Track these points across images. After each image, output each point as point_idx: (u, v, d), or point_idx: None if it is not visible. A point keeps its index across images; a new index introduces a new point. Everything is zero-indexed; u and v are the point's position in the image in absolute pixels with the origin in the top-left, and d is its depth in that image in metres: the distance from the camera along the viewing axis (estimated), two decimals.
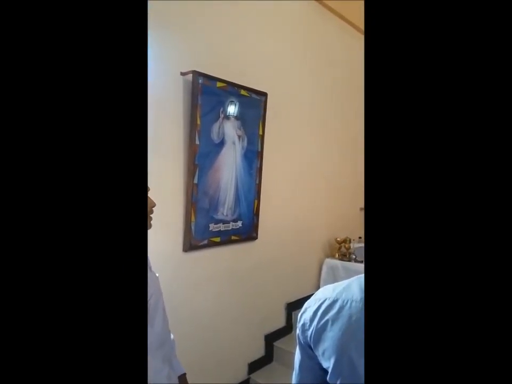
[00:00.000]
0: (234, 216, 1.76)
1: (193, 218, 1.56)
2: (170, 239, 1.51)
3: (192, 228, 1.56)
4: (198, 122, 1.53)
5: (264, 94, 1.85)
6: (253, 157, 1.84)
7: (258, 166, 1.87)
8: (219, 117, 1.63)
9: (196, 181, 1.55)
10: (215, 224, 1.67)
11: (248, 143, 1.80)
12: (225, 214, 1.71)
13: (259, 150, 1.86)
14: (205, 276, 1.67)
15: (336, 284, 0.66)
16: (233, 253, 1.79)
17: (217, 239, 1.68)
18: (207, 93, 1.56)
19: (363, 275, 0.65)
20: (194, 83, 1.51)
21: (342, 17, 2.34)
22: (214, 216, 1.66)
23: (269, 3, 1.86)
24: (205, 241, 1.63)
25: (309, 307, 0.64)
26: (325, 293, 0.65)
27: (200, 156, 1.56)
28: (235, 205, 1.76)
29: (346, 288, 0.63)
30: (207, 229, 1.63)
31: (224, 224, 1.71)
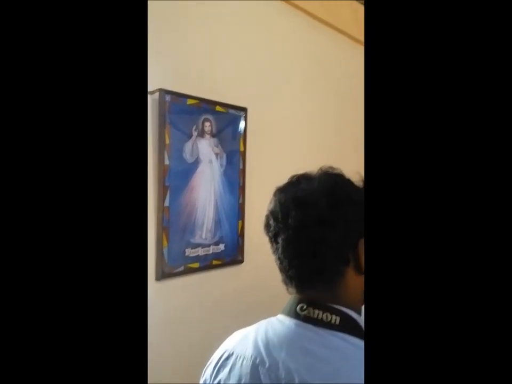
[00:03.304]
0: (215, 239, 1.65)
1: (165, 244, 1.46)
2: None
3: (165, 253, 1.46)
4: (167, 142, 1.46)
5: (244, 109, 1.77)
6: (234, 175, 1.74)
7: (241, 184, 1.77)
8: (192, 135, 1.56)
9: (167, 203, 1.46)
10: (192, 248, 1.56)
11: (228, 160, 1.71)
12: (204, 237, 1.61)
13: (241, 167, 1.77)
14: (184, 306, 1.55)
15: (242, 330, 0.54)
16: (216, 279, 1.67)
17: (196, 265, 1.57)
18: (176, 111, 1.49)
19: (264, 322, 0.53)
20: (161, 101, 1.45)
21: (328, 24, 2.26)
22: (191, 240, 1.56)
23: (244, 12, 1.81)
24: (181, 268, 1.52)
25: (212, 360, 0.54)
26: (227, 342, 0.54)
27: (171, 177, 1.48)
28: (215, 226, 1.65)
29: (243, 339, 0.52)
30: (182, 254, 1.52)
31: (203, 248, 1.61)
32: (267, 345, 0.49)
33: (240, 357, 0.49)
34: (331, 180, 0.55)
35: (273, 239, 0.55)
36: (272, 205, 0.55)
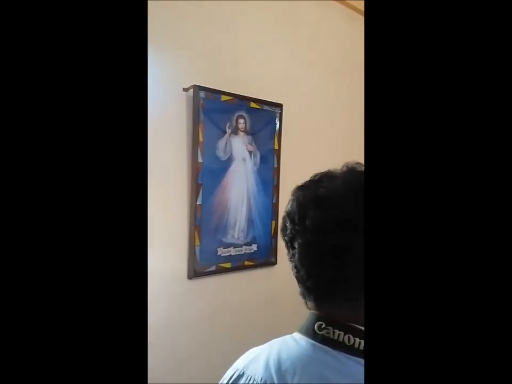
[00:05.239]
0: (248, 239, 1.61)
1: (197, 242, 1.43)
2: (174, 265, 1.40)
3: (197, 252, 1.43)
4: (201, 139, 1.44)
5: (279, 106, 1.71)
6: (268, 173, 1.69)
7: (275, 183, 1.72)
8: (225, 132, 1.52)
9: (199, 201, 1.44)
10: (224, 248, 1.53)
11: (262, 159, 1.66)
12: (236, 236, 1.57)
13: (275, 166, 1.71)
14: (215, 306, 1.52)
15: (256, 349, 0.49)
16: (247, 280, 1.63)
17: (228, 265, 1.54)
18: (210, 108, 1.46)
19: (279, 340, 0.47)
20: (195, 98, 1.43)
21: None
22: (223, 239, 1.52)
23: (280, 7, 1.75)
24: (213, 267, 1.49)
25: (224, 380, 0.49)
26: (239, 361, 0.49)
27: (204, 174, 1.45)
28: (248, 226, 1.61)
29: (254, 359, 0.46)
30: (214, 254, 1.49)
31: (236, 248, 1.57)
32: (279, 368, 0.43)
33: (251, 378, 0.44)
34: (357, 178, 0.47)
35: (289, 243, 0.48)
36: (289, 205, 0.49)
